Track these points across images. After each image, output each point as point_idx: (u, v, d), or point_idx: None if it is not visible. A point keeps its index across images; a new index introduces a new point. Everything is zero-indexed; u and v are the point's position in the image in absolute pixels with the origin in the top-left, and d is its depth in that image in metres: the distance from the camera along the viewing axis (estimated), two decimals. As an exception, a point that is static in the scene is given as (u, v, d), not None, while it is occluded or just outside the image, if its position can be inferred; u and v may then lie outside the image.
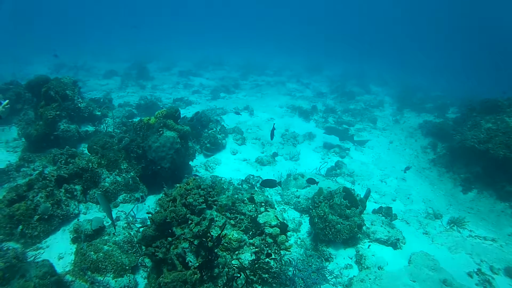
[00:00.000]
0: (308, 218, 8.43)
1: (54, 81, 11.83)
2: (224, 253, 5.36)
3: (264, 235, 5.75)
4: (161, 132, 9.35)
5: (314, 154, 13.72)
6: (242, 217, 6.03)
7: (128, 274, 6.34)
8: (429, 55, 56.71)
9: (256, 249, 5.54)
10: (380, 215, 8.98)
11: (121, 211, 8.05)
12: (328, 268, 7.25)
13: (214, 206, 6.17)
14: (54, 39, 41.73)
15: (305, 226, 8.58)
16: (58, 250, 6.82)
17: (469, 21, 63.80)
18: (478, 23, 61.93)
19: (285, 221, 6.15)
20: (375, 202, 10.70)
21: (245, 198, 6.59)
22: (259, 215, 6.07)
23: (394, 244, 7.96)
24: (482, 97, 14.30)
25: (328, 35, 72.64)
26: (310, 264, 7.26)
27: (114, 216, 7.60)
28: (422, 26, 74.99)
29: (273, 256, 5.50)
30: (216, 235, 5.23)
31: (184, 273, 4.84)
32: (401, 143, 15.85)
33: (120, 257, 6.46)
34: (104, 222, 7.26)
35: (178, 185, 6.35)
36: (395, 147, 15.46)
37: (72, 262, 6.50)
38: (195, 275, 4.78)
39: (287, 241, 5.96)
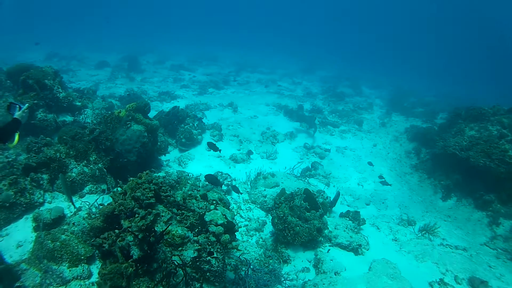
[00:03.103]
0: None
1: (34, 70, 11.75)
2: (168, 249, 5.26)
3: (208, 233, 5.58)
4: (128, 125, 9.28)
5: (293, 154, 13.46)
6: (190, 213, 5.87)
7: (82, 264, 6.29)
8: (433, 57, 56.47)
9: (199, 247, 5.40)
10: (347, 219, 8.76)
11: (85, 201, 7.89)
12: (284, 270, 7.05)
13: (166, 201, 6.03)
14: (55, 29, 41.65)
15: (269, 226, 8.37)
16: (18, 238, 6.76)
17: (475, 23, 63.21)
18: (484, 24, 61.31)
19: (234, 221, 5.95)
20: (348, 206, 10.49)
21: (198, 195, 6.42)
22: (206, 213, 5.89)
23: (356, 249, 7.76)
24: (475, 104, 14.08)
25: (328, 35, 72.42)
26: (267, 265, 7.07)
27: (77, 205, 7.57)
28: (426, 27, 74.48)
29: (215, 255, 5.34)
30: (161, 230, 5.11)
31: (120, 265, 4.76)
32: (385, 146, 15.62)
33: (76, 247, 6.41)
34: (65, 212, 7.25)
35: (131, 178, 6.21)
36: (378, 150, 15.23)
37: (30, 250, 6.46)
38: (130, 268, 4.71)
39: (235, 241, 5.81)
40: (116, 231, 5.24)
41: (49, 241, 6.35)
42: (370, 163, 13.46)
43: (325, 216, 8.27)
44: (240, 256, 6.90)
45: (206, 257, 5.31)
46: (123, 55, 29.95)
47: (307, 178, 11.05)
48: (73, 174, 8.40)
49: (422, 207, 11.29)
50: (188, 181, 8.89)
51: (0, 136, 4.46)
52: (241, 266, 6.73)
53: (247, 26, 73.96)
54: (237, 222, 8.40)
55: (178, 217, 5.78)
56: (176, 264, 5.01)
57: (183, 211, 5.86)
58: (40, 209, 7.48)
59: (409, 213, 10.69)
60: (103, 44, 36.98)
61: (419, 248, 8.75)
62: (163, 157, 11.11)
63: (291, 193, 7.87)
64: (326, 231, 7.85)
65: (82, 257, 6.34)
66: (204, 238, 5.49)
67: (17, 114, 4.88)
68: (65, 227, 6.75)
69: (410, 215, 10.45)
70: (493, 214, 10.39)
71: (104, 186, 8.78)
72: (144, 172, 6.29)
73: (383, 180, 12.58)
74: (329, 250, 7.57)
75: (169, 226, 5.49)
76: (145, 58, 31.04)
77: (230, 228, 5.74)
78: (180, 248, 5.41)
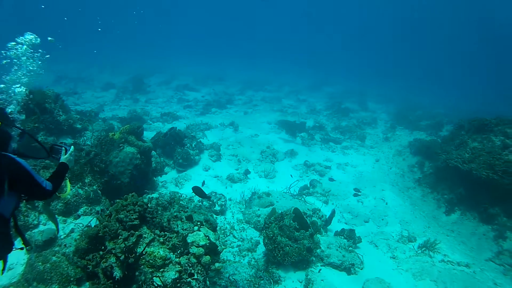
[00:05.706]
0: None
1: (35, 93, 11.96)
2: (149, 270, 5.26)
3: (189, 254, 5.55)
4: (121, 147, 9.38)
5: (292, 172, 13.34)
6: (173, 235, 5.86)
7: (72, 286, 6.28)
8: (444, 70, 56.19)
9: (180, 268, 5.38)
10: (342, 237, 8.58)
11: (79, 223, 7.97)
12: (274, 291, 6.93)
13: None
14: (67, 50, 42.60)
15: (262, 246, 8.25)
16: (9, 261, 6.75)
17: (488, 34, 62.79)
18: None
19: (217, 242, 5.89)
20: (346, 223, 10.28)
21: (183, 216, 6.41)
22: (189, 234, 5.85)
23: (348, 269, 7.57)
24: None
25: (338, 50, 72.77)
26: (258, 285, 6.95)
27: (70, 228, 7.66)
28: (438, 40, 74.39)
29: (195, 276, 5.30)
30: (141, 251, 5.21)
31: (99, 286, 4.81)
32: (388, 161, 15.40)
33: (66, 269, 6.41)
34: (59, 233, 7.28)
35: (117, 200, 6.26)
36: (381, 165, 15.01)
37: (21, 273, 6.50)
38: (108, 289, 4.74)
39: (218, 262, 5.78)
40: (101, 252, 5.29)
41: (40, 263, 6.39)
42: (331, 179, 12.98)
43: (318, 235, 8.13)
44: (230, 277, 6.85)
45: (187, 278, 5.28)
46: (130, 76, 30.43)
47: (304, 197, 10.91)
48: (67, 196, 8.50)
49: (425, 222, 11.01)
50: (181, 202, 8.87)
51: (54, 185, 3.51)
52: (230, 287, 6.68)
53: (257, 43, 74.97)
54: (230, 242, 8.37)
55: (161, 239, 5.77)
56: (156, 285, 5.00)
57: (166, 233, 5.85)
58: (33, 231, 7.49)
59: (410, 229, 10.42)
60: (114, 65, 37.67)
61: (417, 266, 8.50)
62: (160, 178, 11.16)
63: (280, 213, 7.79)
64: (318, 251, 7.70)
65: (72, 279, 6.31)
66: (186, 259, 5.47)
67: (64, 158, 4.00)
68: (56, 248, 6.79)
69: (411, 231, 10.20)
70: (499, 227, 10.03)
71: (98, 208, 8.86)
72: (129, 194, 6.34)
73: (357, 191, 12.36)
74: (320, 270, 7.41)
75: (151, 248, 5.50)
76: (152, 79, 31.53)
77: (212, 249, 5.70)
78: (161, 270, 5.42)
